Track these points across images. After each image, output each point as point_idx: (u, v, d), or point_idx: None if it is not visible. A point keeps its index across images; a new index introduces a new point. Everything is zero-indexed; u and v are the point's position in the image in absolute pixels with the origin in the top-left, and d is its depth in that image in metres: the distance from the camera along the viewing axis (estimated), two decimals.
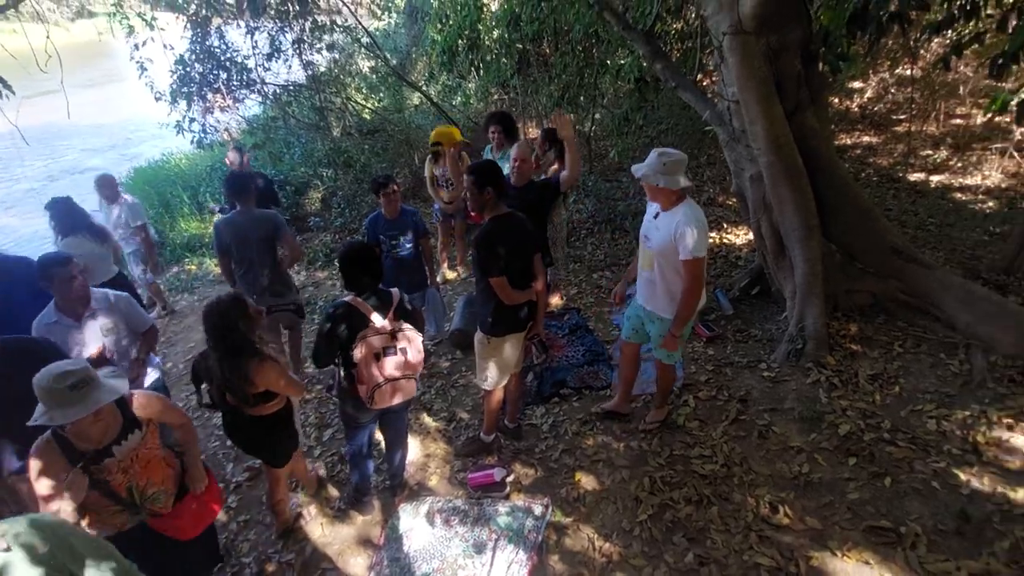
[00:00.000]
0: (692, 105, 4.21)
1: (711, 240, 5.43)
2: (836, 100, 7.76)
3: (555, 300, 4.68)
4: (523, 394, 3.49)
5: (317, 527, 2.92)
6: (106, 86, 18.48)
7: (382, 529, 2.87)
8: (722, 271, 4.91)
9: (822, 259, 3.62)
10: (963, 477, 2.66)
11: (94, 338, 2.66)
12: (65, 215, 3.88)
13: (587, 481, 2.97)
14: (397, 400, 2.60)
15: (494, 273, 2.65)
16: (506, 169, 3.88)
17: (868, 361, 3.47)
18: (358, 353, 2.43)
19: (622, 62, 6.34)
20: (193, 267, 6.52)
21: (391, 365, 2.50)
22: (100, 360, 2.58)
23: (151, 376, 2.96)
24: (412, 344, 2.56)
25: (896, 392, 3.22)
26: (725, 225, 5.67)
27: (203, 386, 2.47)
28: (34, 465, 1.86)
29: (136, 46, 6.57)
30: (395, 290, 2.63)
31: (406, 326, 2.56)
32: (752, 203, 3.91)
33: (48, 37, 4.43)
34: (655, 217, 2.74)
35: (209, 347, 2.35)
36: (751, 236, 4.89)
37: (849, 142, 7.13)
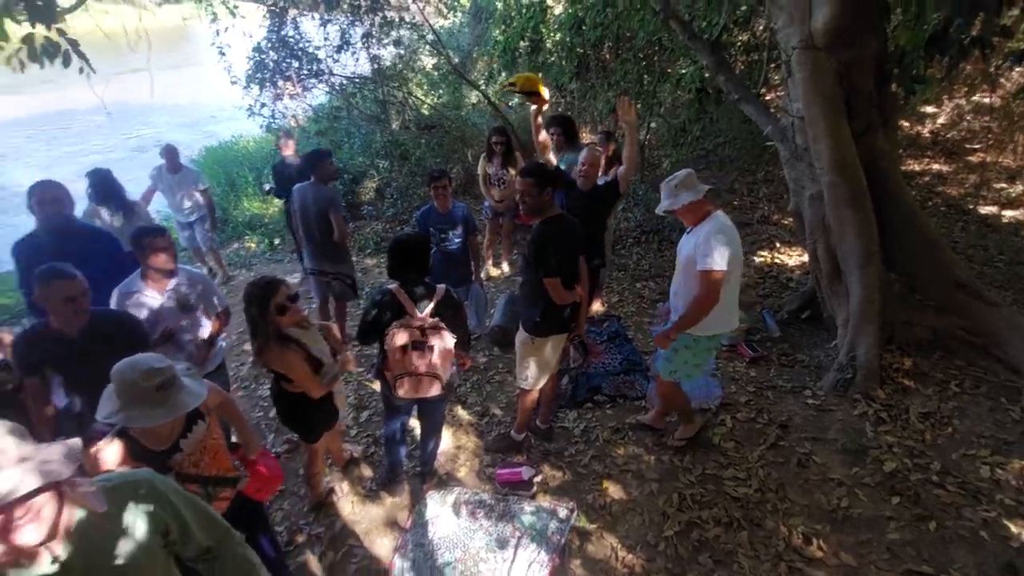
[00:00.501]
0: (754, 119, 4.12)
1: (762, 259, 5.29)
2: (907, 124, 7.40)
3: (596, 306, 4.67)
4: (557, 396, 3.50)
5: (348, 504, 3.03)
6: (185, 69, 19.57)
7: (409, 513, 2.94)
8: (771, 292, 4.77)
9: (880, 287, 3.47)
10: (1014, 529, 2.51)
11: (171, 313, 2.76)
12: (100, 184, 4.09)
13: (614, 490, 2.96)
14: (417, 394, 2.64)
15: (551, 273, 2.68)
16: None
17: (921, 398, 3.31)
18: (388, 341, 2.52)
19: (683, 71, 6.25)
20: (252, 244, 6.84)
21: (417, 359, 2.55)
22: (170, 335, 2.73)
23: (217, 358, 3.08)
24: (442, 343, 2.57)
25: (949, 433, 3.06)
26: (778, 245, 5.50)
27: None
28: (92, 462, 1.71)
29: (218, 32, 6.97)
30: (441, 286, 2.67)
31: (441, 325, 2.58)
32: (810, 224, 3.79)
33: (140, 20, 4.76)
34: (688, 232, 2.75)
35: (247, 322, 2.43)
36: (806, 258, 4.73)
37: (918, 168, 6.79)
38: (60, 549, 1.15)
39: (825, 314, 4.02)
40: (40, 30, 2.77)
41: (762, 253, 5.39)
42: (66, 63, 2.79)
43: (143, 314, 2.67)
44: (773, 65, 5.12)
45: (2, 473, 1.04)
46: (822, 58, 3.20)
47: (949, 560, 2.41)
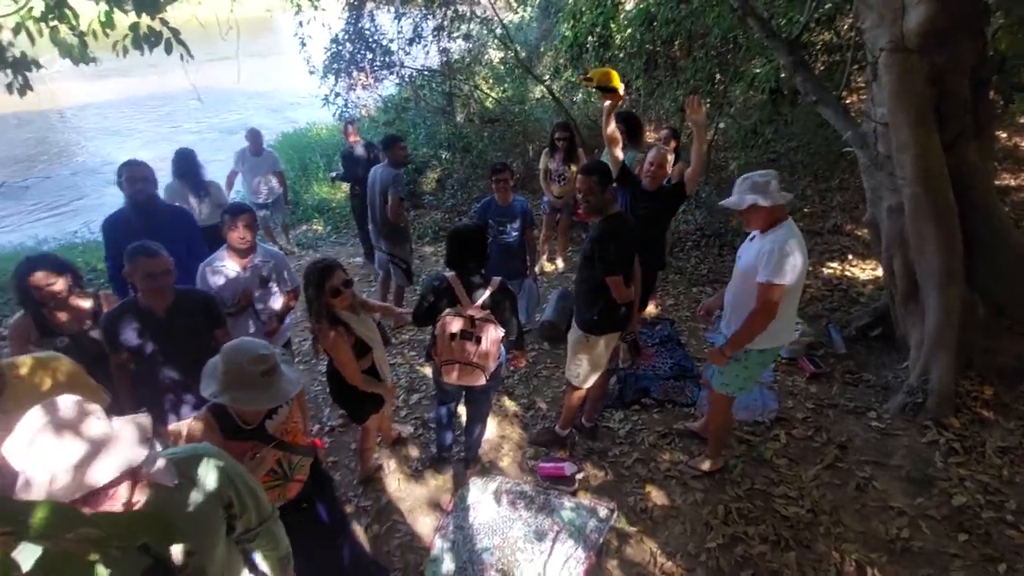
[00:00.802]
0: (832, 123, 3.91)
1: (831, 271, 5.03)
2: (1004, 135, 6.80)
3: (650, 308, 4.60)
4: (604, 396, 3.49)
5: (394, 481, 3.15)
6: (269, 58, 20.67)
7: (452, 496, 3.02)
8: (839, 306, 4.53)
9: (961, 309, 3.23)
10: None
11: (250, 286, 2.95)
12: (180, 162, 4.50)
13: (657, 495, 2.93)
14: (462, 382, 2.69)
15: (615, 271, 2.68)
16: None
17: (1000, 431, 3.07)
18: (439, 328, 2.61)
19: (757, 70, 6.00)
20: (319, 227, 7.17)
21: (465, 348, 2.60)
22: (247, 305, 2.92)
23: (285, 334, 3.28)
24: (491, 335, 2.61)
25: None
26: (850, 257, 5.21)
27: None
28: (187, 440, 1.79)
29: (300, 23, 7.32)
30: (497, 278, 2.71)
31: (491, 318, 2.62)
32: (887, 237, 3.57)
33: (232, 11, 5.07)
34: (751, 240, 2.61)
35: (306, 299, 2.55)
36: (879, 272, 4.47)
37: (1014, 183, 6.22)
38: None
39: (897, 333, 3.79)
40: (144, 19, 3.02)
41: (832, 265, 5.13)
42: (168, 50, 3.01)
43: (223, 283, 2.87)
44: (857, 67, 4.85)
45: (82, 464, 1.06)
46: (913, 61, 3.00)
47: None
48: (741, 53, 6.08)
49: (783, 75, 5.39)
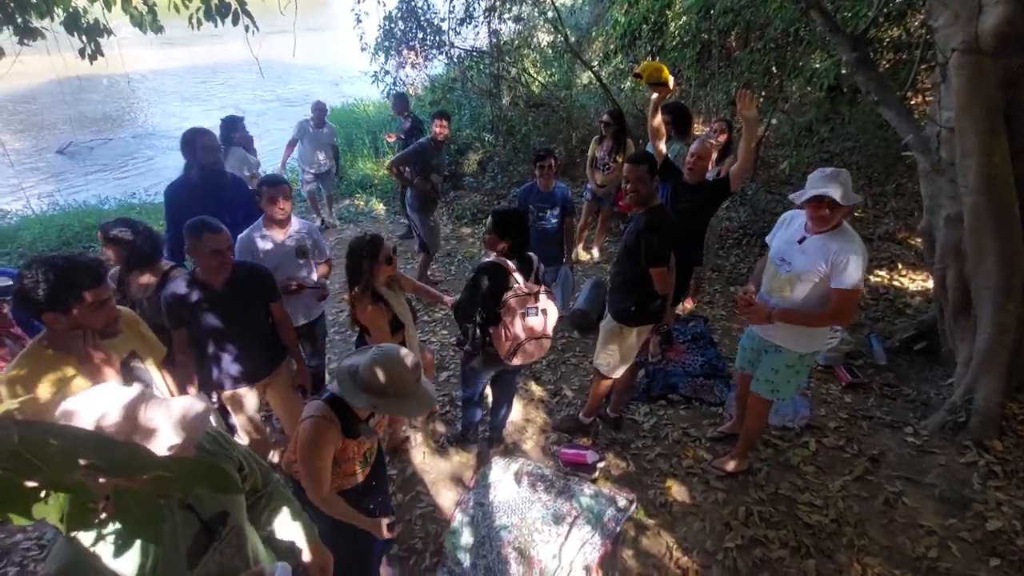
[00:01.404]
0: (893, 125, 3.73)
1: (878, 279, 4.85)
2: None
3: (688, 305, 4.55)
4: (631, 388, 3.49)
5: (420, 454, 3.25)
6: (324, 32, 21.00)
7: (474, 473, 3.10)
8: (884, 315, 4.38)
9: (1016, 328, 3.08)
10: None
11: (290, 257, 3.03)
12: (224, 128, 4.81)
13: (678, 490, 2.93)
14: (535, 357, 2.74)
15: (660, 263, 2.68)
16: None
17: None
18: (507, 311, 2.57)
19: (817, 66, 5.76)
20: (361, 203, 7.31)
21: (533, 324, 2.62)
22: (298, 289, 3.00)
23: (321, 306, 3.36)
24: (551, 306, 2.68)
25: None
26: (900, 266, 5.01)
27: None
28: (312, 441, 1.73)
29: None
30: (534, 256, 2.76)
31: (549, 290, 2.70)
32: (942, 247, 3.42)
33: None
34: (800, 241, 2.47)
35: (347, 273, 2.64)
36: (929, 284, 4.29)
37: None
38: None
39: (943, 348, 3.64)
40: None
41: (880, 273, 4.94)
42: (235, 21, 3.11)
43: (271, 248, 2.95)
44: (924, 67, 4.60)
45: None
46: (986, 64, 2.83)
47: None
48: (801, 47, 5.85)
49: (844, 72, 5.16)
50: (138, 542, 1.12)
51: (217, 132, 4.81)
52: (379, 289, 2.60)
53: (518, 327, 2.60)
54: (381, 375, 1.69)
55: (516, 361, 2.69)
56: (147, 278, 2.58)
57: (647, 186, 2.67)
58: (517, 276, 2.61)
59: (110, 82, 15.36)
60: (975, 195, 3.02)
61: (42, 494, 0.59)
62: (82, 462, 0.60)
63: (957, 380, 3.32)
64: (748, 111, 3.08)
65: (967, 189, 3.06)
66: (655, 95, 3.30)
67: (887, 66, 5.86)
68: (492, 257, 2.69)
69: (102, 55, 3.62)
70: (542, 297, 2.65)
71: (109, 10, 3.38)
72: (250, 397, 2.68)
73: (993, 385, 3.08)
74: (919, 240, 4.58)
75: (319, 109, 5.96)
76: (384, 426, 2.08)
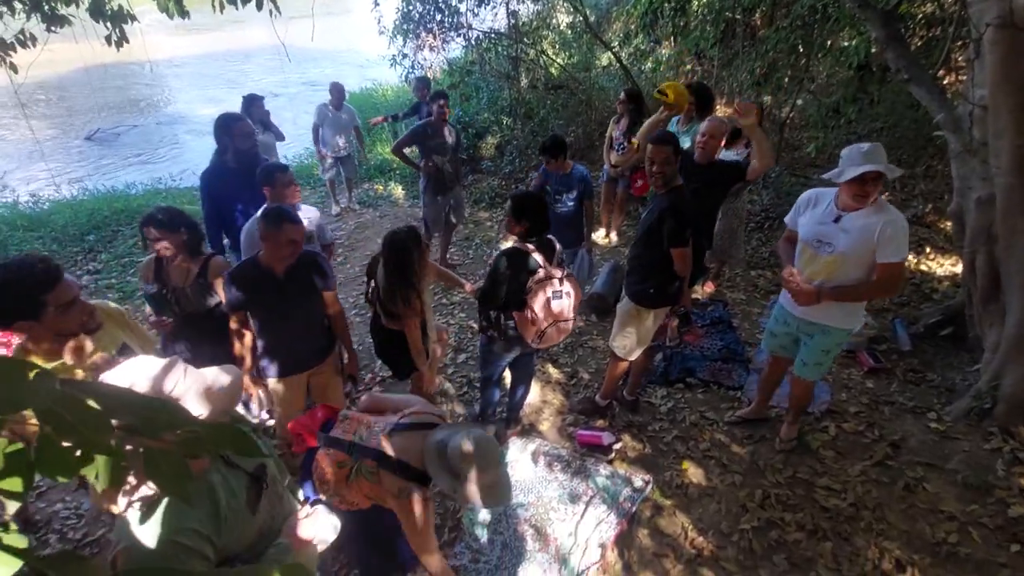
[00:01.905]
0: (924, 104, 3.61)
1: (906, 263, 4.73)
2: None
3: (708, 288, 4.51)
4: (647, 371, 3.49)
5: None
6: (342, 16, 20.98)
7: None
8: (910, 300, 4.29)
9: None
10: None
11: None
12: (247, 105, 5.05)
13: (694, 472, 2.94)
14: (558, 340, 2.79)
15: (683, 243, 2.67)
16: (685, 143, 3.76)
17: None
18: (533, 295, 2.58)
19: (845, 44, 5.58)
20: (380, 188, 7.36)
21: (559, 307, 2.65)
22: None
23: None
24: (574, 289, 2.70)
25: None
26: (928, 249, 4.88)
27: (371, 283, 2.86)
28: (428, 519, 1.75)
29: None
30: (555, 239, 2.77)
31: (571, 273, 2.72)
32: (972, 230, 3.33)
33: None
34: (836, 221, 2.42)
35: (384, 266, 2.66)
36: (958, 268, 4.18)
37: None
38: None
39: (971, 334, 3.56)
40: None
41: (907, 258, 4.82)
42: (259, 6, 3.13)
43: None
44: (959, 44, 4.44)
45: None
46: (1021, 39, 2.72)
47: None
48: (829, 24, 5.65)
49: (874, 50, 4.99)
50: (209, 501, 1.21)
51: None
52: (419, 284, 2.63)
53: (543, 311, 2.62)
54: (473, 464, 1.63)
55: (541, 345, 2.73)
56: (188, 264, 2.58)
57: (672, 167, 2.65)
58: (539, 259, 2.62)
59: (140, 69, 15.61)
60: (1008, 176, 2.92)
61: (78, 454, 0.61)
62: (115, 422, 0.62)
63: (984, 366, 3.25)
64: (747, 120, 3.03)
65: (1000, 170, 2.96)
66: (665, 113, 3.33)
67: (919, 43, 5.64)
68: (512, 242, 2.70)
69: (127, 42, 3.69)
70: (566, 281, 2.66)
71: None
72: (297, 386, 2.65)
73: (1022, 372, 3.00)
74: (948, 223, 4.46)
75: (337, 90, 5.96)
76: None
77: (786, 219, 2.73)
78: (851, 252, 2.39)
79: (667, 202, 2.68)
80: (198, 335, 2.66)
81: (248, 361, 2.57)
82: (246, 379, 2.58)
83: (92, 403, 0.61)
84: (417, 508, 1.69)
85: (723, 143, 4.15)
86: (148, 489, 1.09)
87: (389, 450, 1.74)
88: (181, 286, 2.57)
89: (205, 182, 3.42)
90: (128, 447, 0.67)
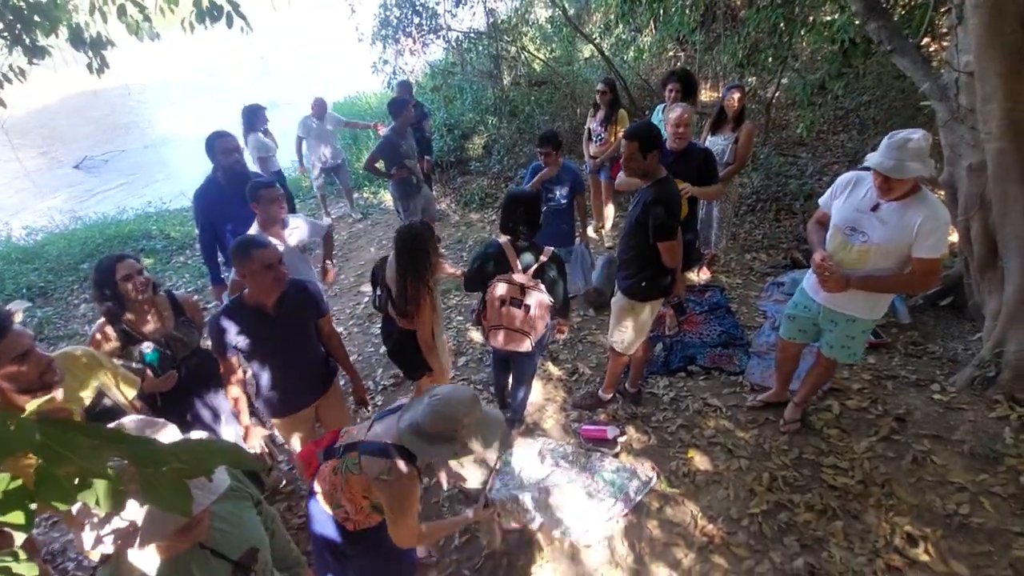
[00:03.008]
0: (909, 74, 3.58)
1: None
2: None
3: (704, 274, 4.49)
4: (648, 361, 3.47)
5: None
6: (320, 26, 20.93)
7: (498, 457, 3.13)
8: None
9: None
10: None
11: (296, 255, 3.05)
12: (250, 115, 5.36)
13: (700, 460, 2.93)
14: (507, 347, 2.75)
15: (669, 236, 2.63)
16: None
17: None
18: (488, 292, 2.68)
19: (827, 19, 5.55)
20: (369, 195, 7.33)
21: (512, 314, 2.66)
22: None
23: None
24: (538, 302, 2.66)
25: None
26: None
27: (377, 290, 2.85)
28: (410, 499, 1.70)
29: None
30: (549, 248, 2.75)
31: (540, 286, 2.66)
32: (965, 198, 3.31)
33: None
34: (873, 209, 2.30)
35: (398, 261, 2.61)
36: (954, 238, 4.15)
37: None
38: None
39: (970, 303, 3.54)
40: None
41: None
42: (229, 24, 3.10)
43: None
44: (941, 10, 4.40)
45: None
46: (1005, 2, 2.69)
47: None
48: (808, 0, 5.63)
49: (857, 23, 4.96)
50: None
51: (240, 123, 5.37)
52: (432, 278, 2.63)
53: (494, 312, 2.66)
54: (464, 421, 1.63)
55: (492, 343, 2.76)
56: (151, 308, 2.41)
57: (639, 161, 2.60)
58: (515, 263, 2.64)
59: (123, 93, 15.59)
60: (998, 141, 2.90)
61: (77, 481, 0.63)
62: (108, 454, 0.63)
63: (986, 334, 3.23)
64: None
65: (989, 136, 2.93)
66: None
67: (902, 12, 5.61)
68: (502, 239, 2.72)
69: (108, 68, 3.67)
70: (532, 293, 2.63)
71: (105, 21, 3.41)
72: (303, 421, 2.55)
73: None
74: (941, 193, 4.43)
75: (318, 104, 6.00)
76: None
77: (820, 200, 2.63)
78: (886, 244, 2.29)
79: (651, 195, 2.65)
80: (203, 378, 2.52)
81: (244, 408, 2.43)
82: (245, 429, 2.46)
83: (81, 437, 0.61)
84: (403, 480, 1.64)
85: (709, 130, 4.15)
86: (120, 521, 1.06)
87: (365, 435, 1.75)
88: (167, 333, 2.39)
89: (198, 201, 3.44)
90: (123, 472, 0.68)
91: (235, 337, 2.25)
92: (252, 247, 2.18)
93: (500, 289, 2.65)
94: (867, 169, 2.33)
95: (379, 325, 4.43)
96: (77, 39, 3.46)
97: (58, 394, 1.69)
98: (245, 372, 2.50)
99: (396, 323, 2.76)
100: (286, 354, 2.36)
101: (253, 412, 2.55)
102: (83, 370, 1.90)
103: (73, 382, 1.83)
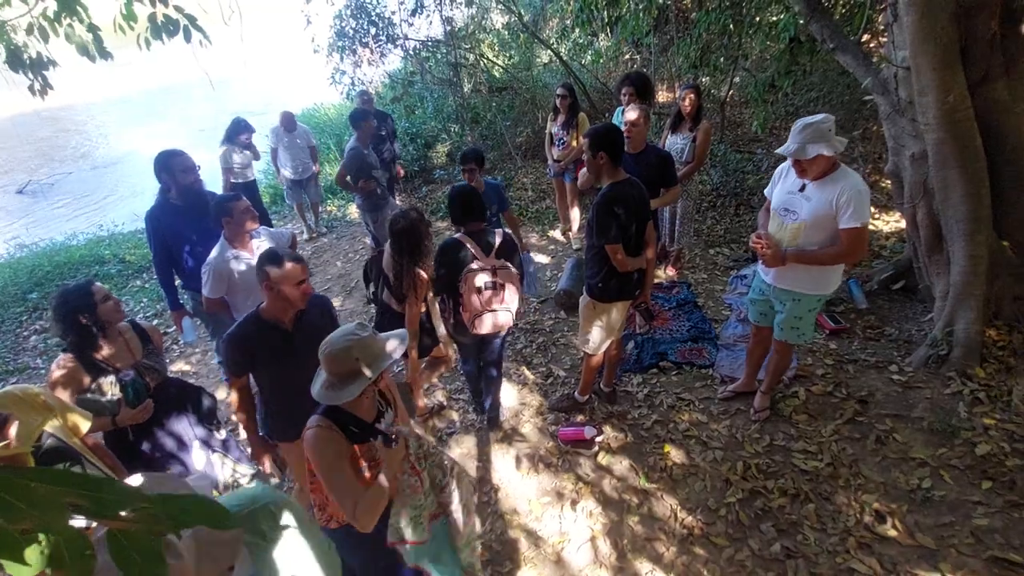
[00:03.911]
0: (851, 70, 3.76)
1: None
2: None
3: (671, 272, 4.57)
4: (621, 360, 3.51)
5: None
6: (275, 38, 20.54)
7: (477, 464, 3.12)
8: (861, 260, 4.44)
9: (989, 257, 3.15)
10: None
11: None
12: (230, 128, 5.43)
13: (676, 454, 2.97)
14: (495, 329, 2.86)
15: (611, 239, 2.66)
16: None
17: None
18: (465, 285, 2.72)
19: (773, 19, 5.76)
20: (333, 208, 7.22)
21: (492, 297, 2.75)
22: None
23: None
24: (511, 280, 2.78)
25: None
26: (872, 210, 5.06)
27: (371, 286, 2.97)
28: (319, 453, 1.67)
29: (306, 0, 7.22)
30: (500, 229, 2.85)
31: (508, 265, 2.78)
32: (910, 186, 3.47)
33: None
34: (800, 190, 2.53)
35: (394, 248, 2.74)
36: (902, 224, 4.35)
37: None
38: None
39: (921, 285, 3.71)
40: (160, 8, 3.02)
41: (868, 223, 5.00)
42: (187, 38, 3.00)
43: (240, 274, 2.84)
44: (879, 8, 4.62)
45: None
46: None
47: None
48: (756, 1, 5.83)
49: (802, 22, 5.16)
50: None
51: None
52: (425, 262, 2.76)
53: (474, 300, 2.74)
54: (339, 359, 1.65)
55: (476, 331, 2.83)
56: (121, 336, 2.32)
57: (589, 161, 2.66)
58: (472, 250, 2.72)
59: (69, 114, 14.98)
60: (937, 131, 3.06)
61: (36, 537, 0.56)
62: (68, 501, 0.57)
63: (936, 314, 3.39)
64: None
65: (928, 126, 3.09)
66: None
67: (842, 11, 5.86)
68: (456, 234, 2.80)
69: (52, 88, 3.51)
70: (501, 272, 2.75)
71: (46, 41, 3.27)
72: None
73: (971, 315, 3.15)
74: (888, 182, 4.64)
75: (286, 117, 5.92)
76: (408, 419, 2.00)
77: (766, 191, 2.83)
78: (812, 219, 2.48)
79: (602, 196, 2.69)
80: (171, 406, 2.42)
81: (253, 429, 2.39)
82: (257, 451, 2.43)
83: (35, 484, 0.56)
84: (314, 432, 1.66)
85: (669, 130, 4.23)
86: None
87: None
88: (138, 362, 2.30)
89: (151, 222, 3.28)
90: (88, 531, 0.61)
91: (249, 356, 2.18)
92: (286, 259, 2.11)
93: (477, 279, 2.71)
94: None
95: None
96: (15, 60, 3.30)
97: (11, 431, 1.57)
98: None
99: (391, 313, 2.88)
100: (300, 372, 2.18)
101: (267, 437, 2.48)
102: (41, 410, 1.75)
103: (30, 423, 1.67)
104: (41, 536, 0.58)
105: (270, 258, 2.11)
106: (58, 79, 3.57)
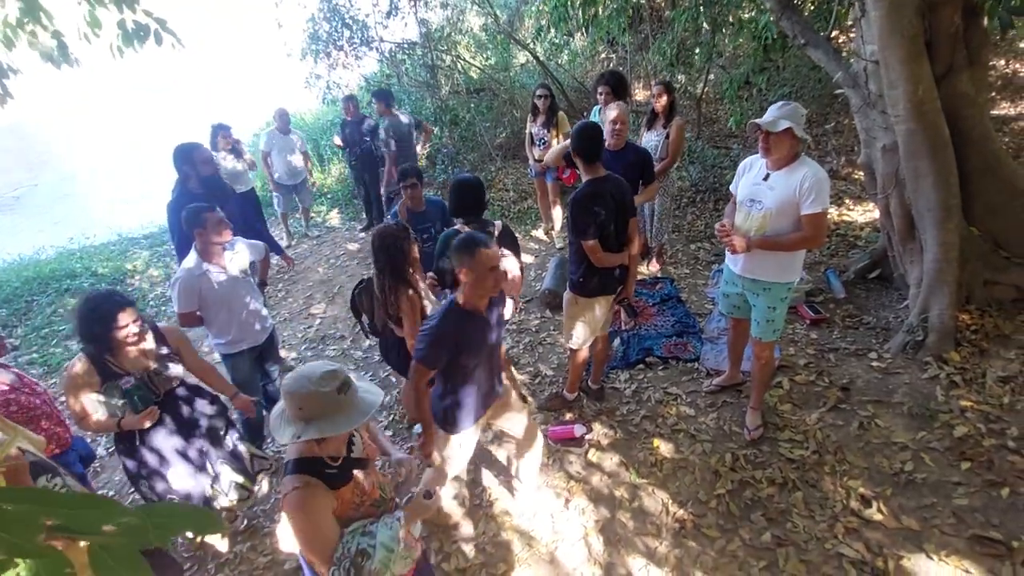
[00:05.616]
0: (822, 66, 3.84)
1: (829, 216, 5.01)
2: (1002, 62, 6.64)
3: (654, 267, 4.61)
4: (608, 357, 3.53)
5: None
6: (246, 42, 20.24)
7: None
8: (837, 250, 4.54)
9: (959, 244, 3.24)
10: None
11: (241, 280, 2.89)
12: (211, 139, 5.11)
13: (666, 448, 3.00)
14: (511, 289, 2.80)
15: (588, 236, 2.68)
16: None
17: (1001, 361, 3.11)
18: None
19: (745, 16, 5.85)
20: (313, 214, 7.13)
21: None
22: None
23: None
24: (512, 269, 2.74)
25: None
26: (847, 201, 5.19)
27: (363, 317, 2.82)
28: (305, 517, 1.47)
29: (276, 4, 7.13)
30: (497, 221, 2.84)
31: (506, 251, 2.72)
32: (882, 177, 3.56)
33: None
34: (764, 179, 2.60)
35: (375, 263, 2.57)
36: (876, 214, 4.45)
37: (1013, 112, 6.11)
38: None
39: (896, 273, 3.80)
40: (128, 14, 2.94)
41: (829, 210, 5.10)
42: (159, 42, 2.92)
43: (219, 285, 2.78)
44: (848, 4, 4.72)
45: None
46: None
47: (1021, 527, 2.31)
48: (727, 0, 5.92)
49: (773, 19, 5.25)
50: None
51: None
52: (413, 276, 2.63)
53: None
54: (293, 402, 1.46)
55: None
56: (150, 341, 2.32)
57: (569, 162, 2.71)
58: None
59: (33, 123, 14.55)
60: (906, 123, 3.14)
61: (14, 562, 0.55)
62: (45, 521, 0.56)
63: (911, 301, 3.48)
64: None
65: (898, 118, 3.18)
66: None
67: (812, 8, 5.99)
68: (457, 224, 2.81)
69: (12, 97, 3.41)
70: (504, 261, 2.70)
71: (10, 50, 3.17)
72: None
73: (945, 301, 3.23)
74: (861, 173, 4.75)
75: (281, 115, 5.80)
76: (376, 453, 1.82)
77: (731, 186, 2.87)
78: (776, 207, 2.55)
79: (578, 194, 2.71)
80: (185, 413, 2.41)
81: (431, 421, 2.26)
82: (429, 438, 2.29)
83: (9, 507, 0.54)
84: (291, 496, 1.45)
85: (645, 127, 4.27)
86: None
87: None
88: (147, 367, 2.29)
89: (174, 213, 3.34)
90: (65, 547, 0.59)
91: (453, 349, 2.08)
92: (478, 245, 1.99)
93: None
94: (755, 142, 2.63)
95: (332, 348, 4.33)
96: None
97: None
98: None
99: (392, 337, 2.77)
100: (489, 358, 2.23)
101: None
102: (6, 428, 1.72)
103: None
104: (18, 559, 0.56)
105: (465, 245, 2.01)
106: (17, 87, 3.47)
